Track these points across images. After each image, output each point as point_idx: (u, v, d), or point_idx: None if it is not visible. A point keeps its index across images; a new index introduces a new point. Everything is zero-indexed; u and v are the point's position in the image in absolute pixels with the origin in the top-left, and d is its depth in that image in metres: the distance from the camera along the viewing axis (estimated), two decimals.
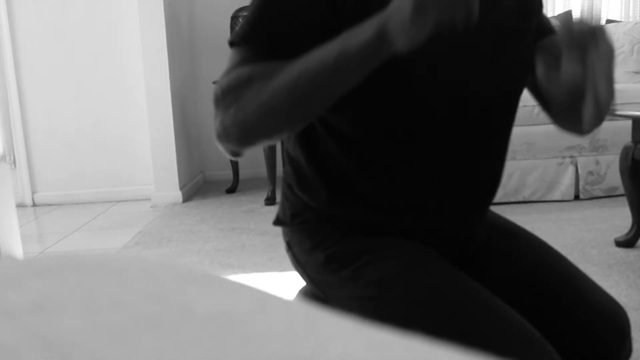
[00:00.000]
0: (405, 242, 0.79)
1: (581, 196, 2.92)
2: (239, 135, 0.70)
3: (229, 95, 0.70)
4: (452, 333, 0.67)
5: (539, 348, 0.66)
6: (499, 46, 0.78)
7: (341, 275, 0.78)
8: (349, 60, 0.63)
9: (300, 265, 0.86)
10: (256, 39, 0.72)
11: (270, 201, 3.13)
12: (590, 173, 2.91)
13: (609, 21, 3.73)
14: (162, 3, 3.12)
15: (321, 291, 0.84)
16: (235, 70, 0.71)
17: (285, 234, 0.89)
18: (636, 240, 2.14)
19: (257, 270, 2.06)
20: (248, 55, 0.72)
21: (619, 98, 2.92)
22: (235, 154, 0.75)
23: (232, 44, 0.74)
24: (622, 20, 4.04)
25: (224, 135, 0.71)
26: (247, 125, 0.69)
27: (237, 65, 0.71)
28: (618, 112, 2.12)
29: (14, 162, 3.47)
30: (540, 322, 0.74)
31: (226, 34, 3.60)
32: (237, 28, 0.75)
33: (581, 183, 2.91)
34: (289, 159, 0.87)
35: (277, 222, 0.90)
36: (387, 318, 0.72)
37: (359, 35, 0.63)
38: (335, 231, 0.81)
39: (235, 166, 3.51)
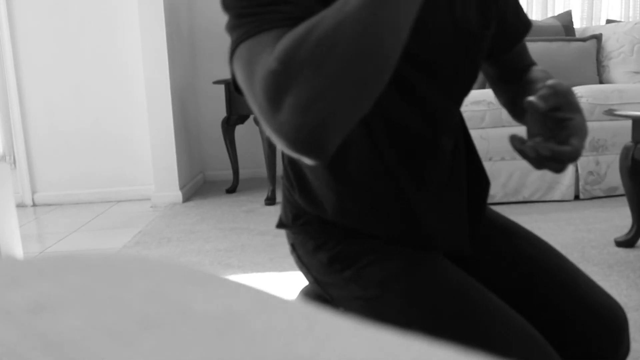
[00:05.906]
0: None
1: (581, 196, 2.91)
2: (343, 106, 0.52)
3: (296, 62, 0.50)
4: (452, 333, 0.67)
5: (541, 349, 0.66)
6: (466, 52, 0.80)
7: (344, 276, 0.78)
8: None
9: (305, 266, 0.86)
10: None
11: (270, 201, 3.13)
12: (590, 173, 2.91)
13: (609, 21, 3.73)
14: (162, 3, 3.12)
15: (326, 292, 0.84)
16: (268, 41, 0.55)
17: (288, 236, 0.89)
18: (636, 240, 2.14)
19: (257, 270, 2.06)
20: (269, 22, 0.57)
21: (619, 98, 2.93)
22: (325, 148, 0.53)
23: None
24: (622, 20, 4.04)
25: (310, 123, 0.51)
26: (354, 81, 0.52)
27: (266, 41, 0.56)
28: (618, 112, 2.12)
29: (14, 162, 3.47)
30: (536, 320, 0.74)
31: (226, 34, 3.60)
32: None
33: (581, 183, 2.91)
34: (289, 163, 0.86)
35: (280, 224, 0.89)
36: (387, 318, 0.72)
37: None
38: (337, 232, 0.81)
39: (235, 166, 3.50)
